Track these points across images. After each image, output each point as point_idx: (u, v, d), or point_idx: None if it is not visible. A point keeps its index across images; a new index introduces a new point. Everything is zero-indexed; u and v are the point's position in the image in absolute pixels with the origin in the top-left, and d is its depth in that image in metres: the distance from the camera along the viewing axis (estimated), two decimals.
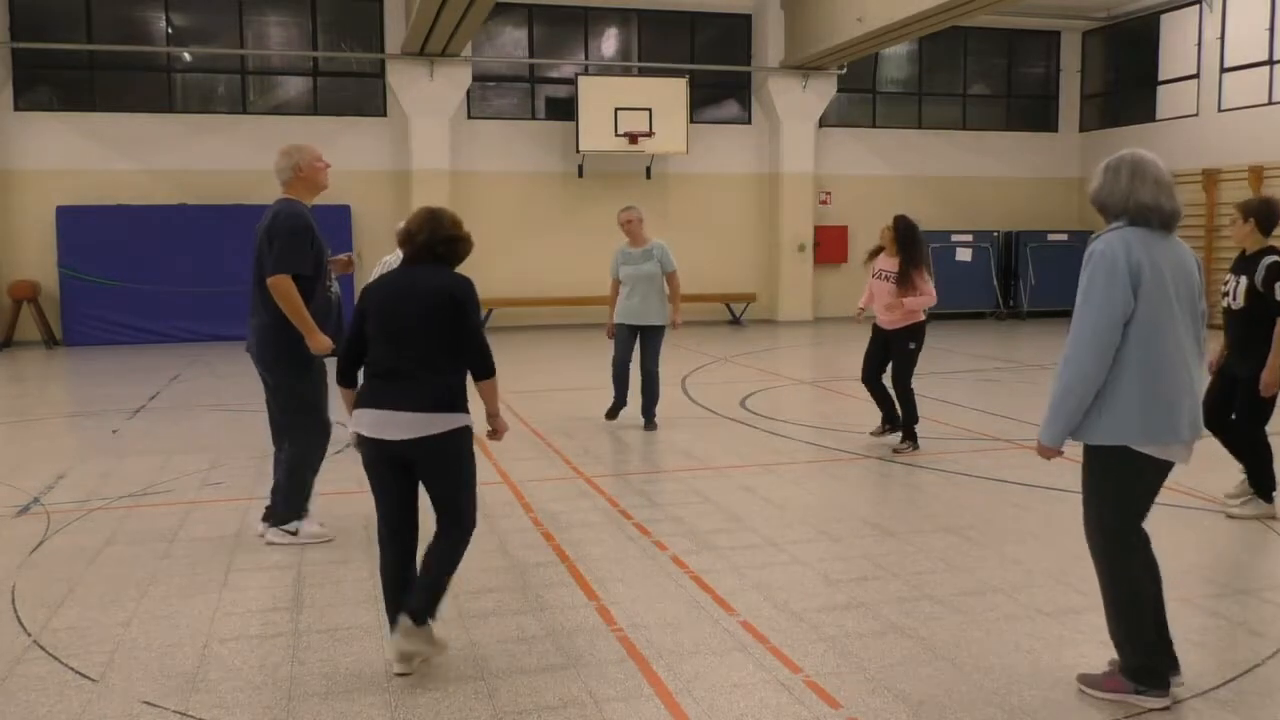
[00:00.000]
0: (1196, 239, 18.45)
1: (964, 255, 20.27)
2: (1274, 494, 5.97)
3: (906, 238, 7.92)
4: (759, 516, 6.12)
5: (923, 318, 7.94)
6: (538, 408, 9.89)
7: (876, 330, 8.11)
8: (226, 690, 3.79)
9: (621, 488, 6.85)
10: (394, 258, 6.76)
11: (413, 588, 3.93)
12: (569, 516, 6.12)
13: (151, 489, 6.90)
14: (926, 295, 7.77)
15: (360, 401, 3.98)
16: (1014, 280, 20.46)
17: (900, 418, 7.97)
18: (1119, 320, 3.43)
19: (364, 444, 3.97)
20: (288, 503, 5.57)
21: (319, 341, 5.33)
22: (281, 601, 4.71)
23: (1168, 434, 3.48)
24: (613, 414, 9.07)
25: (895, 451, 7.85)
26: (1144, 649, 3.60)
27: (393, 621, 3.89)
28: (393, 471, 3.95)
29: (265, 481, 7.05)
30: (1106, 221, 3.60)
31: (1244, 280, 5.72)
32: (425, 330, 3.92)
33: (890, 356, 7.97)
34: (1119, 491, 3.58)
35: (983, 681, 3.82)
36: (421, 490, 3.99)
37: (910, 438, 7.90)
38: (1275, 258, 5.65)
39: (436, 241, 4.17)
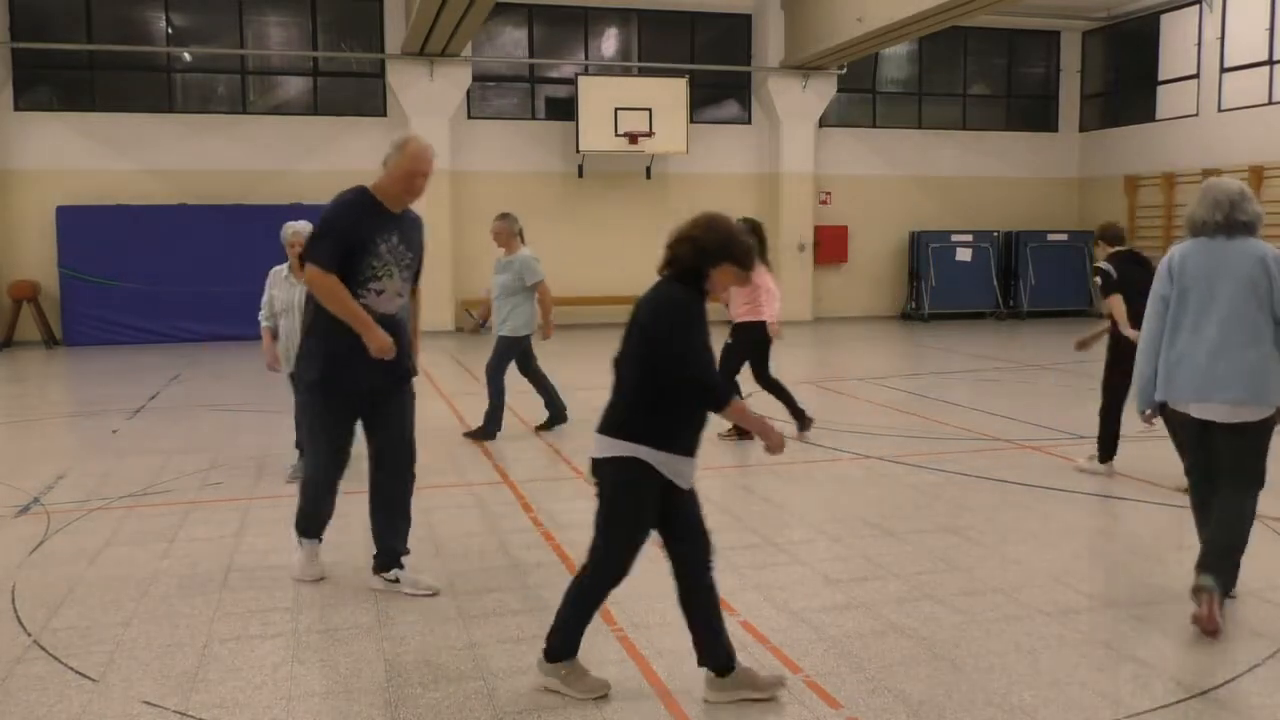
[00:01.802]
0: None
1: (964, 255, 20.28)
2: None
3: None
4: (759, 516, 6.12)
5: (765, 317, 8.29)
6: (537, 408, 9.87)
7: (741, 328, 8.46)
8: (226, 690, 3.79)
9: None
10: (282, 267, 6.89)
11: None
12: (569, 516, 6.12)
13: (151, 489, 6.90)
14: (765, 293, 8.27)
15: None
16: (1014, 280, 20.46)
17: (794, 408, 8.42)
18: (1158, 303, 4.55)
19: None
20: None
21: (371, 339, 4.53)
22: (281, 601, 4.71)
23: (1176, 394, 4.45)
24: (546, 424, 8.96)
25: (802, 440, 8.27)
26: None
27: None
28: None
29: (265, 482, 7.07)
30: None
31: None
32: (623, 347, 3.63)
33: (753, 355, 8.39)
34: (1174, 441, 4.91)
35: (983, 681, 3.82)
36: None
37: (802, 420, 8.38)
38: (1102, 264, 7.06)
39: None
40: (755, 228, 8.15)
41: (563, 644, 3.70)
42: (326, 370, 4.64)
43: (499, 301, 8.55)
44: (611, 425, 3.55)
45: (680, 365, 3.40)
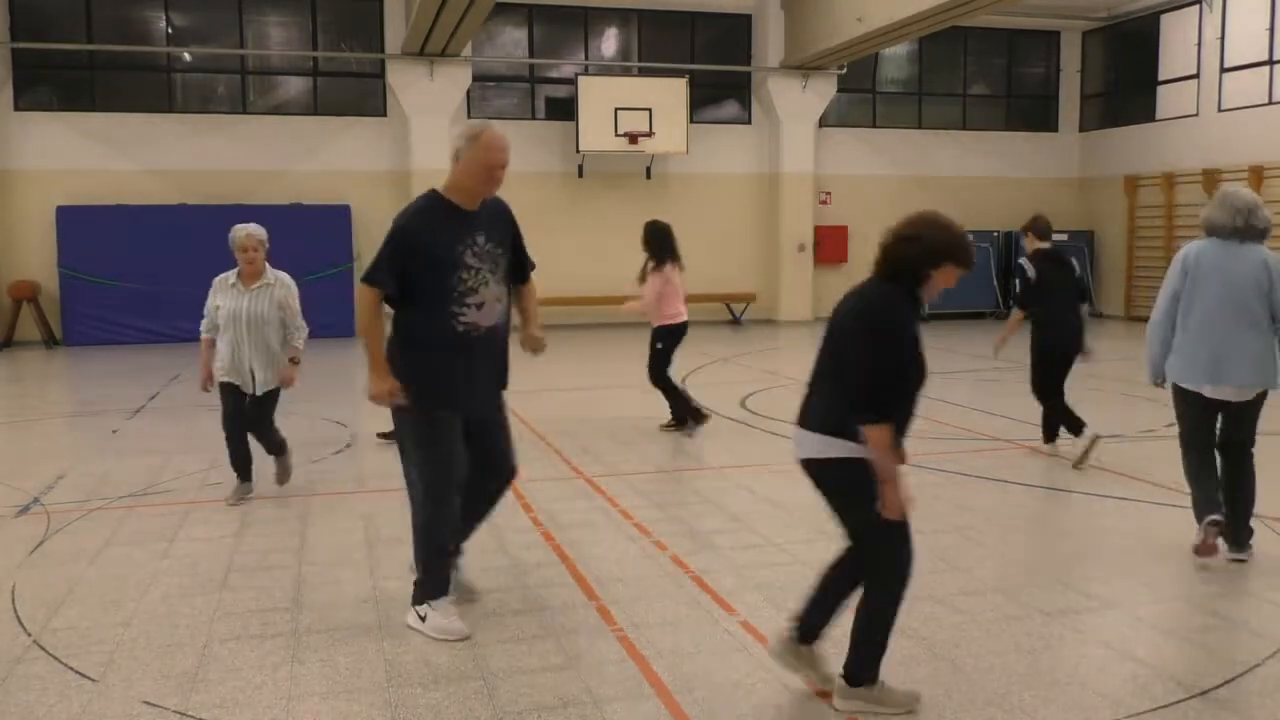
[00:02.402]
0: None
1: None
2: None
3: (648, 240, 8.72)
4: (759, 516, 6.12)
5: (672, 320, 8.66)
6: (537, 407, 9.88)
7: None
8: (226, 690, 3.79)
9: (621, 488, 6.85)
10: (229, 274, 6.44)
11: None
12: (569, 516, 6.12)
13: (151, 489, 6.90)
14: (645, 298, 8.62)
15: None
16: (1014, 280, 20.45)
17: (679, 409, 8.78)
18: (1170, 294, 5.13)
19: None
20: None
21: (377, 383, 4.21)
22: (281, 601, 4.71)
23: (1191, 377, 5.05)
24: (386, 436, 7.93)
25: (689, 436, 8.57)
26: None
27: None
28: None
29: (265, 482, 7.07)
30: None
31: None
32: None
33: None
34: (1179, 413, 5.24)
35: (983, 681, 3.82)
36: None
37: (682, 424, 8.71)
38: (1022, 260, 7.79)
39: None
40: (666, 229, 8.57)
41: (867, 669, 3.55)
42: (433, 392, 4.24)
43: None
44: (829, 425, 3.44)
45: (864, 374, 3.35)
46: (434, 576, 4.33)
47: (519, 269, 4.57)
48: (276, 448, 6.74)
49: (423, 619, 4.29)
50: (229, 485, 6.67)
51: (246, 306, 6.32)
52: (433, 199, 4.31)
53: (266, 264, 6.47)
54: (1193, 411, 5.14)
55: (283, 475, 6.78)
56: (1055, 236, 18.49)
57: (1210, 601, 4.63)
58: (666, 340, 8.77)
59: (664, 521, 5.98)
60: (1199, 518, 5.12)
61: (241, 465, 6.61)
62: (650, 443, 8.40)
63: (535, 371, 13.27)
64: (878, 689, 3.56)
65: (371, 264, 4.21)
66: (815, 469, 3.54)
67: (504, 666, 3.98)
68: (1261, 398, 5.04)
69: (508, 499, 6.53)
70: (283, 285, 6.44)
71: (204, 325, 6.50)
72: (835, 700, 3.59)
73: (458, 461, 4.32)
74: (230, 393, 6.48)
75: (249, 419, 6.53)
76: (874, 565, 3.52)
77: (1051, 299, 7.50)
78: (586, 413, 9.67)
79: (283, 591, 4.85)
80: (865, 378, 3.29)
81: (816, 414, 3.49)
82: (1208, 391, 5.03)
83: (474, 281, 4.22)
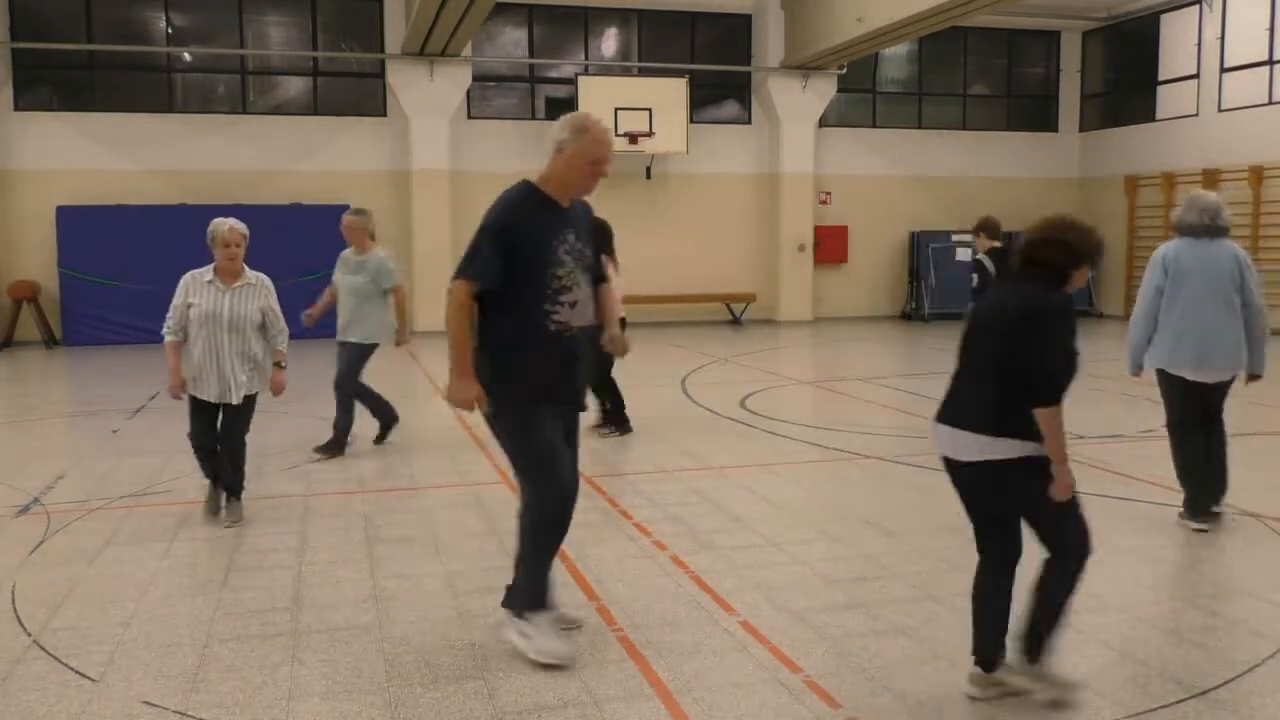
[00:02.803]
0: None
1: (964, 255, 20.22)
2: None
3: None
4: (759, 516, 6.12)
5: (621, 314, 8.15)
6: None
7: None
8: (226, 690, 3.79)
9: (621, 488, 6.85)
10: (203, 271, 5.96)
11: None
12: None
13: (151, 489, 6.89)
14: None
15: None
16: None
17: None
18: (1154, 290, 5.67)
19: None
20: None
21: (462, 389, 3.95)
22: (281, 601, 4.71)
23: (1176, 363, 5.63)
24: (380, 436, 8.24)
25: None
26: None
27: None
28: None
29: (265, 482, 7.07)
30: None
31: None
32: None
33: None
34: (1166, 397, 5.80)
35: None
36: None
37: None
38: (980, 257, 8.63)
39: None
40: (604, 226, 7.54)
41: (1039, 647, 3.65)
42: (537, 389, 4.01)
43: (348, 304, 7.84)
44: (999, 425, 3.54)
45: (1048, 362, 3.50)
46: (535, 583, 4.09)
47: (598, 269, 4.30)
48: (239, 478, 6.13)
49: (527, 637, 4.01)
50: (202, 493, 6.26)
51: (229, 306, 5.85)
52: (528, 190, 4.08)
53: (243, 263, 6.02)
54: (1177, 394, 5.71)
55: (236, 516, 6.06)
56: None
57: (1210, 602, 4.63)
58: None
59: (664, 521, 5.98)
60: (1193, 515, 5.72)
61: (216, 491, 6.16)
62: (650, 443, 8.39)
63: None
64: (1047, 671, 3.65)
65: (466, 258, 3.92)
66: (989, 471, 3.58)
67: (504, 666, 3.98)
68: (1232, 378, 5.70)
69: (508, 499, 6.54)
70: (264, 286, 6.04)
71: (170, 327, 5.92)
72: (1005, 675, 3.65)
73: (565, 458, 4.10)
74: (203, 407, 5.99)
75: (228, 430, 6.03)
76: (1068, 546, 3.59)
77: None
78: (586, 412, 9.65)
79: (283, 591, 4.85)
80: (1047, 365, 3.48)
81: (979, 415, 3.59)
82: (1189, 375, 5.61)
83: (568, 279, 3.99)
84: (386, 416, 8.20)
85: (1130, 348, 5.84)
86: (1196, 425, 5.73)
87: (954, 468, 3.70)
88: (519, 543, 4.16)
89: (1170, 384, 5.74)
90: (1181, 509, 5.78)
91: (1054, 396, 3.47)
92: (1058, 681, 3.63)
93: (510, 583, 4.21)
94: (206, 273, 5.94)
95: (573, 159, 4.03)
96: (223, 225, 5.89)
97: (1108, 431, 8.22)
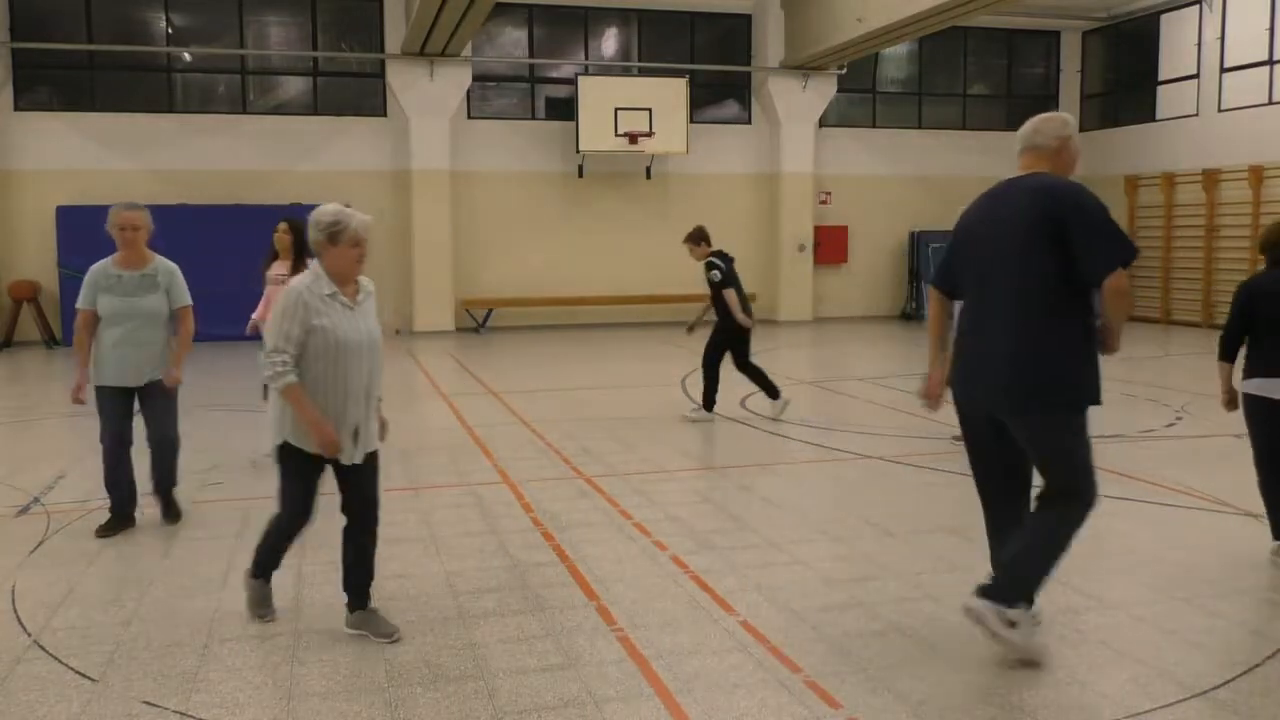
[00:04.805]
0: (1196, 239, 18.46)
1: None
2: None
3: (302, 240, 7.00)
4: (759, 516, 6.12)
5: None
6: (537, 407, 9.89)
7: None
8: (226, 690, 3.79)
9: (621, 488, 6.85)
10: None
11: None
12: (569, 516, 6.12)
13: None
14: None
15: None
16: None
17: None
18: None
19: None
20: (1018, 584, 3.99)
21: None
22: (281, 601, 4.71)
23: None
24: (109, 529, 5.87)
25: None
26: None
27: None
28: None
29: (266, 482, 7.06)
30: None
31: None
32: None
33: None
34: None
35: (983, 681, 3.82)
36: None
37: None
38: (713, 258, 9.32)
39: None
40: (296, 227, 7.17)
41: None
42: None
43: (141, 333, 6.00)
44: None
45: None
46: (1039, 580, 4.00)
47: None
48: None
49: (1013, 625, 3.90)
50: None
51: (364, 329, 4.30)
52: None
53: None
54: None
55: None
56: None
57: (1210, 601, 4.63)
58: None
59: (664, 521, 5.98)
60: None
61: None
62: (650, 443, 8.39)
63: (535, 371, 13.29)
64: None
65: (1125, 241, 3.82)
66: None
67: (504, 666, 3.98)
68: None
69: (508, 499, 6.54)
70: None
71: (287, 362, 4.17)
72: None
73: None
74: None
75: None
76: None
77: (739, 289, 9.41)
78: (586, 413, 9.66)
79: (283, 591, 4.84)
80: None
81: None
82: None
83: None
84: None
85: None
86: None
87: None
88: (1035, 540, 3.96)
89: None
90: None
91: None
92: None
93: (1000, 576, 4.01)
94: (320, 280, 4.17)
95: (1073, 154, 4.16)
96: (352, 218, 4.18)
97: (1108, 431, 8.22)
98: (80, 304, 5.94)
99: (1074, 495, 3.90)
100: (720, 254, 9.44)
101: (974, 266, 4.10)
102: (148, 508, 6.13)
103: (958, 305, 4.29)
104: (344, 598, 4.43)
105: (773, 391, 9.37)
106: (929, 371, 4.33)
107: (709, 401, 9.35)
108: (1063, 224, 3.79)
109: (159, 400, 5.99)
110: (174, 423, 6.07)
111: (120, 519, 5.88)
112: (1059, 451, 3.88)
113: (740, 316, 9.21)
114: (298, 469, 4.30)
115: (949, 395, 4.24)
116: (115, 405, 6.01)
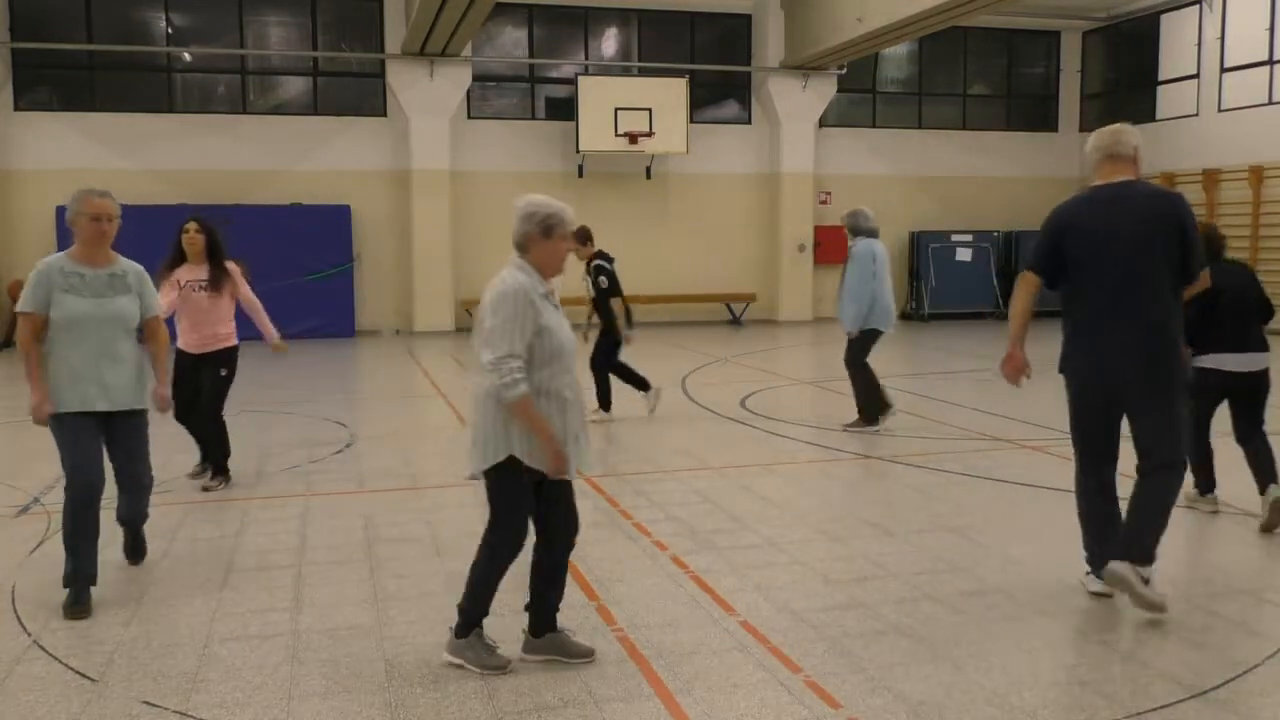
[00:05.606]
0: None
1: (964, 255, 20.28)
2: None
3: (215, 241, 6.97)
4: (759, 516, 6.12)
5: (235, 341, 6.85)
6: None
7: (183, 357, 6.75)
8: (226, 690, 3.79)
9: (621, 488, 6.85)
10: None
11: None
12: None
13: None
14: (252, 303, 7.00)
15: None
16: (1014, 280, 20.47)
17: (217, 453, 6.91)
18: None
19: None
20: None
21: (1013, 368, 4.85)
22: (281, 601, 4.71)
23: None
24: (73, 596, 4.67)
25: (205, 490, 6.72)
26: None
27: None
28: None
29: (265, 481, 7.07)
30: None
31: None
32: None
33: (201, 385, 6.75)
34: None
35: (983, 681, 3.82)
36: None
37: (222, 472, 6.88)
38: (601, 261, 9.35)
39: None
40: (207, 227, 7.13)
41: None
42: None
43: (109, 345, 5.15)
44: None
45: None
46: (1154, 542, 4.48)
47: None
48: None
49: (1147, 582, 4.34)
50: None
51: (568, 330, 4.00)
52: None
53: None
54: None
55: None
56: None
57: (1210, 601, 4.63)
58: (233, 367, 6.90)
59: (664, 521, 5.98)
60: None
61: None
62: (650, 443, 8.39)
63: None
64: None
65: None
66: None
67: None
68: None
69: None
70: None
71: (518, 369, 3.70)
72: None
73: None
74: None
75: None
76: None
77: (619, 294, 9.51)
78: (586, 412, 9.65)
79: (283, 591, 4.85)
80: None
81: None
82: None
83: None
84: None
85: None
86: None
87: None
88: (1156, 507, 4.56)
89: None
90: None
91: None
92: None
93: (1130, 543, 4.54)
94: (535, 277, 3.81)
95: (1142, 161, 4.62)
96: (565, 208, 3.98)
97: None
98: (26, 306, 4.97)
99: (1177, 466, 4.57)
100: (604, 254, 9.42)
101: (1101, 262, 4.50)
102: (153, 511, 6.07)
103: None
104: (440, 621, 3.92)
105: (642, 384, 9.41)
106: (1011, 351, 4.82)
107: (605, 401, 9.33)
108: (1183, 227, 4.41)
109: (134, 434, 5.06)
110: (148, 461, 5.25)
111: (85, 581, 4.61)
112: (1176, 423, 4.51)
113: (622, 329, 9.21)
114: (520, 489, 3.79)
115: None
116: (83, 437, 4.86)
